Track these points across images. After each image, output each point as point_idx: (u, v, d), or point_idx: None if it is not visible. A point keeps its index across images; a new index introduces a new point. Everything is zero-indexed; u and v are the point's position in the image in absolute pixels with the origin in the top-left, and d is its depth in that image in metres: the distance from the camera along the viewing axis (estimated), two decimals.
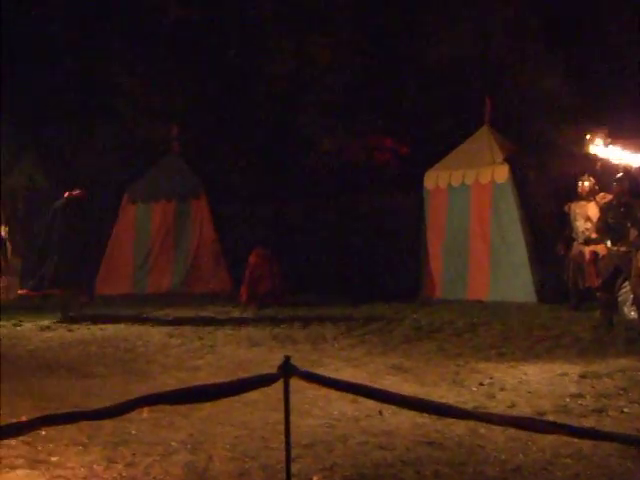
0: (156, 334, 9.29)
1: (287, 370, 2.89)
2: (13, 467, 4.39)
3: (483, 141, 12.23)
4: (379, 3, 15.79)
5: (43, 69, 17.24)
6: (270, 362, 7.47)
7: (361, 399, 5.89)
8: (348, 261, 12.56)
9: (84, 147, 16.63)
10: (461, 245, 11.96)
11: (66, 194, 11.75)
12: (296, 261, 12.15)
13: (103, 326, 9.98)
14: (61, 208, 11.31)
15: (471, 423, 4.92)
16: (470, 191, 11.98)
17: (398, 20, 15.93)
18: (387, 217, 12.78)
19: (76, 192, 11.98)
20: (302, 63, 16.39)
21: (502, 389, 6.21)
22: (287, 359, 2.96)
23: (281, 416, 5.54)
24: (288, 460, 3.14)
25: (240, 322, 10.10)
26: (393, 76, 15.73)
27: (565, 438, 4.34)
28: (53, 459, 4.55)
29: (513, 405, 5.68)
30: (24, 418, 2.59)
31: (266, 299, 11.17)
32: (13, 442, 4.55)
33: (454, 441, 4.84)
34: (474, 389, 6.26)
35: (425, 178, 12.52)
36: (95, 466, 4.44)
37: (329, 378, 3.23)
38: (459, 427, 5.02)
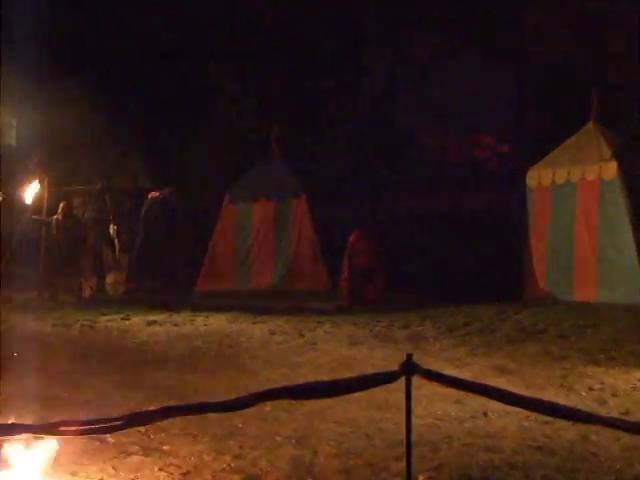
0: (257, 330, 9.45)
1: (409, 368, 2.86)
2: (129, 453, 4.58)
3: (589, 137, 11.78)
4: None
5: (147, 74, 17.89)
6: (372, 361, 7.50)
7: (465, 400, 5.82)
8: (448, 260, 12.40)
9: (186, 148, 17.15)
10: (566, 244, 11.57)
11: (150, 195, 12.18)
12: (395, 259, 12.09)
13: (206, 321, 10.26)
14: (148, 208, 11.75)
15: (582, 429, 4.76)
16: (575, 189, 11.57)
17: (498, 15, 15.64)
18: (488, 215, 12.56)
19: (161, 192, 12.41)
20: (401, 60, 16.33)
21: (614, 395, 5.96)
22: (409, 357, 2.93)
23: (384, 414, 5.60)
24: (409, 461, 3.09)
25: (340, 320, 10.16)
26: (493, 73, 15.43)
27: None
28: (165, 448, 4.71)
29: (627, 412, 5.44)
30: (152, 407, 2.69)
31: (366, 279, 11.23)
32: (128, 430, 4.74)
33: (564, 447, 4.68)
34: (583, 394, 6.04)
35: (527, 176, 12.20)
36: (204, 456, 4.56)
37: (452, 377, 3.17)
38: (569, 432, 4.86)
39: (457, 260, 12.41)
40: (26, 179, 13.91)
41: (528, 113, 14.91)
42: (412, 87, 16.23)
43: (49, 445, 3.46)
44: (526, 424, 5.13)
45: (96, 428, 2.56)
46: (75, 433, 2.64)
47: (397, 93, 16.43)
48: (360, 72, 16.60)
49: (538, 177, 12.11)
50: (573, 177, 11.62)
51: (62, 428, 2.48)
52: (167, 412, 2.68)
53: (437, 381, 2.88)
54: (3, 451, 3.25)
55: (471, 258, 12.33)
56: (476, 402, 5.79)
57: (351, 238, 11.76)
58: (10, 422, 2.55)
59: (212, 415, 5.06)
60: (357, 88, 16.63)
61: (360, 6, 16.26)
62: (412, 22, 15.83)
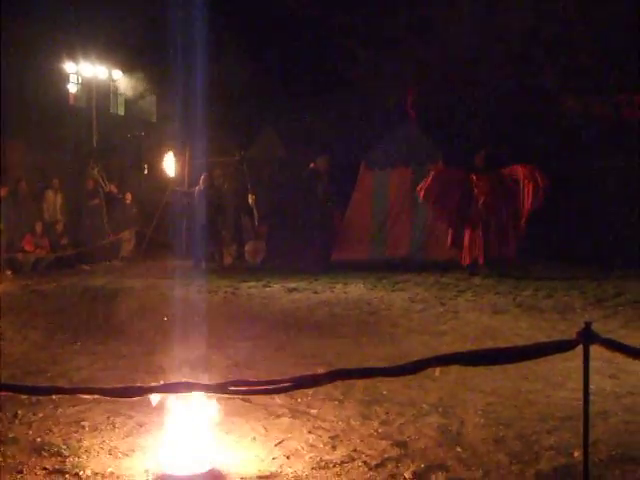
0: (397, 298, 9.39)
1: (587, 336, 2.69)
2: (278, 415, 4.69)
3: None
4: None
5: (281, 43, 18.06)
6: (517, 331, 7.26)
7: (620, 375, 5.51)
8: (596, 227, 11.75)
9: (320, 116, 17.18)
10: None
11: (312, 165, 12.33)
12: (537, 226, 11.60)
13: (346, 289, 10.31)
14: (306, 178, 11.91)
15: None
16: None
17: None
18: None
19: (317, 162, 12.54)
20: (542, 18, 15.54)
21: None
22: (588, 325, 2.75)
23: (532, 385, 5.41)
24: (586, 434, 2.93)
25: (481, 289, 9.93)
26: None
27: None
28: (312, 411, 4.78)
29: None
30: (320, 370, 2.71)
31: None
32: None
33: None
34: None
35: None
36: (351, 421, 4.60)
37: (637, 348, 2.94)
38: None
39: (604, 228, 11.74)
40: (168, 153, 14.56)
41: None
42: (553, 47, 15.40)
43: (208, 404, 3.57)
44: None
45: (265, 389, 2.60)
46: (245, 393, 2.71)
47: (536, 54, 15.66)
48: (497, 33, 15.94)
49: None
50: None
51: (232, 388, 2.54)
52: (335, 376, 2.68)
53: (619, 351, 2.68)
54: (169, 405, 3.40)
55: (621, 224, 11.63)
56: (633, 378, 5.48)
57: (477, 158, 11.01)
58: (183, 380, 2.64)
59: (357, 381, 5.11)
60: (493, 49, 16.00)
61: None
62: None
